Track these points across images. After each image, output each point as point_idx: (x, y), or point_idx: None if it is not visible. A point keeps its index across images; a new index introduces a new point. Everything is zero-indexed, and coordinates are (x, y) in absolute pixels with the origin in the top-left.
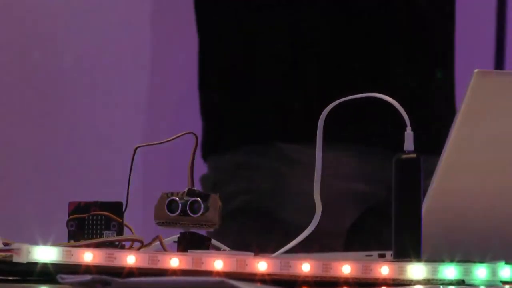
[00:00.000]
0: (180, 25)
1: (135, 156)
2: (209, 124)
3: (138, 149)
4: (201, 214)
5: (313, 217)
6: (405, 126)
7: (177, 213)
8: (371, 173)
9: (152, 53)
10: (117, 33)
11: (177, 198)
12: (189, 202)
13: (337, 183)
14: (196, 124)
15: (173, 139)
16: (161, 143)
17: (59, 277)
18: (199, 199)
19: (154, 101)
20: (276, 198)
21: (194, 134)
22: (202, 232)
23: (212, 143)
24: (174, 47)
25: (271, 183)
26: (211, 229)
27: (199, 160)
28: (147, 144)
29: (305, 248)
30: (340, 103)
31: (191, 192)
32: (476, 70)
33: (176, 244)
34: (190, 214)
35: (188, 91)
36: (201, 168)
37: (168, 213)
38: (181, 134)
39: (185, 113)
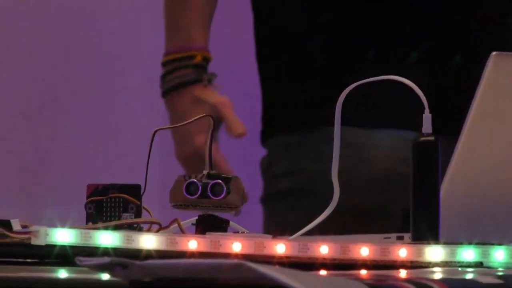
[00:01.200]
0: None
1: (154, 139)
2: (267, 108)
3: (156, 132)
4: (223, 197)
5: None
6: (423, 108)
7: (196, 195)
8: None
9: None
10: (136, 18)
11: (196, 180)
12: (210, 184)
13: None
14: None
15: (190, 122)
16: (179, 126)
17: (77, 259)
18: (221, 181)
19: None
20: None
21: (212, 117)
22: (223, 215)
23: (269, 127)
24: None
25: (317, 164)
26: (233, 212)
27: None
28: (166, 127)
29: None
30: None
31: (211, 175)
32: (493, 53)
33: (194, 227)
34: (211, 196)
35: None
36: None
37: (187, 195)
38: (198, 117)
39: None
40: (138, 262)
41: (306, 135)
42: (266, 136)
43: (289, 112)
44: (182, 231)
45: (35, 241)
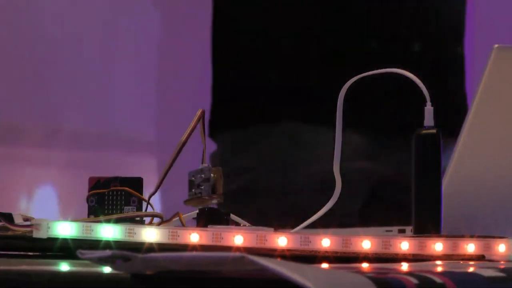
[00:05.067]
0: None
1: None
2: (218, 102)
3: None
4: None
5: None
6: (425, 101)
7: None
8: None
9: (159, 37)
10: (124, 20)
11: None
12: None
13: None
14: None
15: (196, 120)
16: (193, 127)
17: (79, 252)
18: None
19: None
20: (281, 177)
21: (202, 110)
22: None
23: (221, 121)
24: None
25: (276, 162)
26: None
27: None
28: (187, 133)
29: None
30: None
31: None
32: (495, 46)
33: (195, 221)
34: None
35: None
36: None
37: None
38: (199, 113)
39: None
40: (140, 255)
41: (263, 131)
42: (215, 130)
43: (245, 105)
44: (183, 224)
45: (37, 234)
